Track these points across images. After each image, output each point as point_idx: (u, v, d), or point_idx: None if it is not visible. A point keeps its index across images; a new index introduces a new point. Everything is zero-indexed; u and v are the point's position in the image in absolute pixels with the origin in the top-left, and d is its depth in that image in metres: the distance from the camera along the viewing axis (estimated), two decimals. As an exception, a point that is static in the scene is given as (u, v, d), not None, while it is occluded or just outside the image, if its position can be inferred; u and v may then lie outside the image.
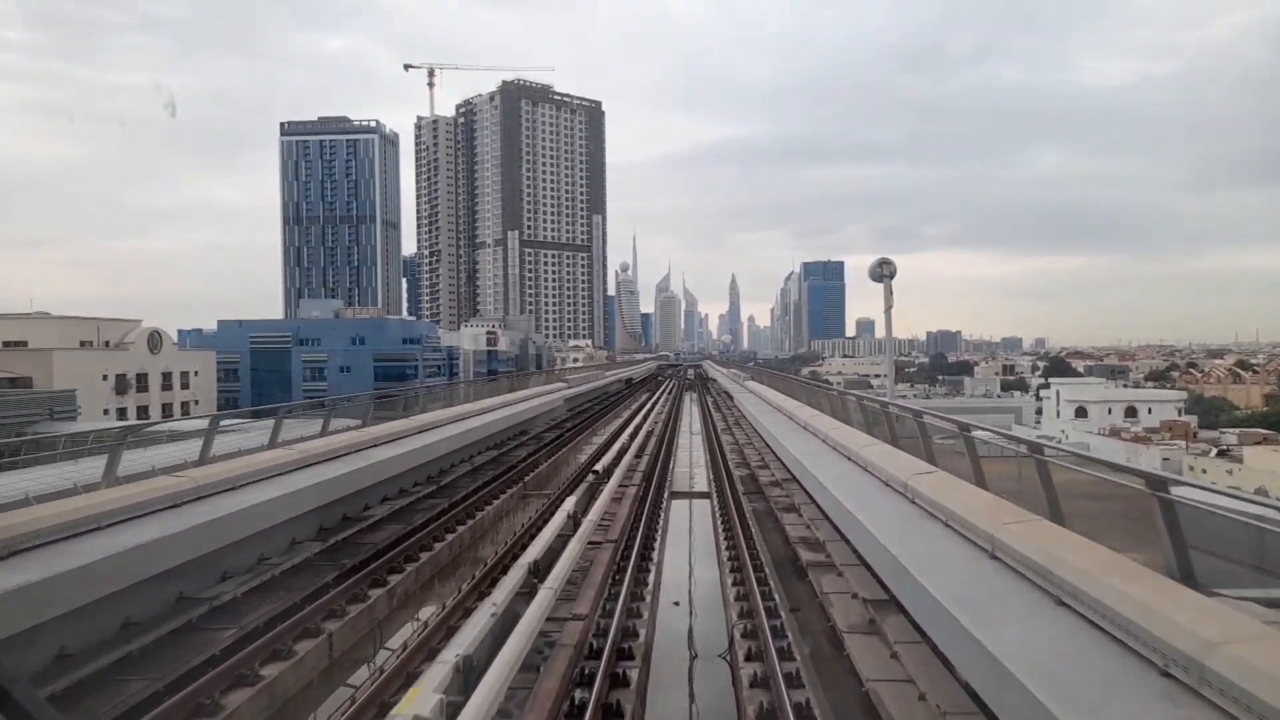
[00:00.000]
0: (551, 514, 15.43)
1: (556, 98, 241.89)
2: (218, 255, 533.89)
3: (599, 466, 21.11)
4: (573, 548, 11.91)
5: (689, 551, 15.05)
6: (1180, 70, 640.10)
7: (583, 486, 19.76)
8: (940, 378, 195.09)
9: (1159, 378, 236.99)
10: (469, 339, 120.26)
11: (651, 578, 12.70)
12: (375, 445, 17.36)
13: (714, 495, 20.17)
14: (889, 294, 19.06)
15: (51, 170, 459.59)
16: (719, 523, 16.96)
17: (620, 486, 19.72)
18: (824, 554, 13.20)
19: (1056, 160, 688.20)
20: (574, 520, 14.13)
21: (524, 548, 13.25)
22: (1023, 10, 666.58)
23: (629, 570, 12.40)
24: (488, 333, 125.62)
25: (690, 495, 21.12)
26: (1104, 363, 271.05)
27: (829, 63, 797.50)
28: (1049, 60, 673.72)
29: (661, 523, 17.10)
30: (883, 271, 19.02)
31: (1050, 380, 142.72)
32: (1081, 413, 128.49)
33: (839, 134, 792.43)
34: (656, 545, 14.85)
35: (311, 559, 13.19)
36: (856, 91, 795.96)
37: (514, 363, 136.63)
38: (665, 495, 20.48)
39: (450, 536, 15.16)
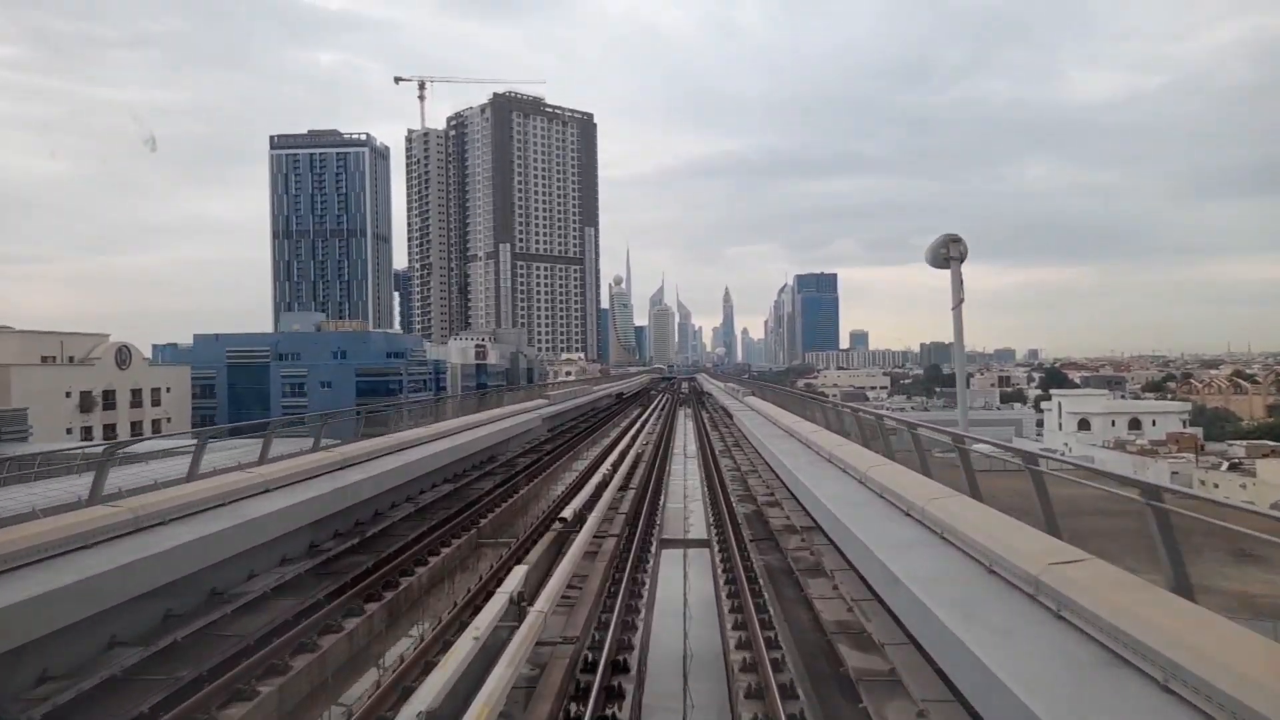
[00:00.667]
0: (497, 584, 11.11)
1: (548, 110, 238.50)
2: (211, 271, 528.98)
3: (569, 511, 16.67)
4: (502, 672, 7.52)
5: (684, 643, 10.70)
6: (1168, 83, 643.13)
7: (547, 538, 15.39)
8: (938, 389, 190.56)
9: (1156, 389, 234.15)
10: (457, 352, 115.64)
11: (627, 709, 8.29)
12: (268, 492, 12.98)
13: (714, 544, 15.85)
14: (959, 284, 14.36)
15: (43, 186, 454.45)
16: (722, 589, 12.67)
17: (595, 537, 15.36)
18: (882, 662, 8.88)
19: (1046, 172, 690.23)
20: (519, 606, 9.79)
21: (448, 647, 8.94)
22: (1011, 24, 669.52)
23: (591, 702, 8.03)
24: (476, 346, 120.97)
25: (685, 544, 16.78)
26: (1099, 374, 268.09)
27: (819, 77, 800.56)
28: (1038, 73, 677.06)
29: (647, 592, 12.76)
30: (949, 253, 14.36)
31: (1051, 392, 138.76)
32: (1084, 425, 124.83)
33: (830, 148, 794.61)
34: (638, 636, 10.48)
35: (135, 667, 8.86)
36: (847, 105, 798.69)
37: (504, 376, 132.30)
38: (654, 545, 16.16)
39: (353, 623, 10.81)
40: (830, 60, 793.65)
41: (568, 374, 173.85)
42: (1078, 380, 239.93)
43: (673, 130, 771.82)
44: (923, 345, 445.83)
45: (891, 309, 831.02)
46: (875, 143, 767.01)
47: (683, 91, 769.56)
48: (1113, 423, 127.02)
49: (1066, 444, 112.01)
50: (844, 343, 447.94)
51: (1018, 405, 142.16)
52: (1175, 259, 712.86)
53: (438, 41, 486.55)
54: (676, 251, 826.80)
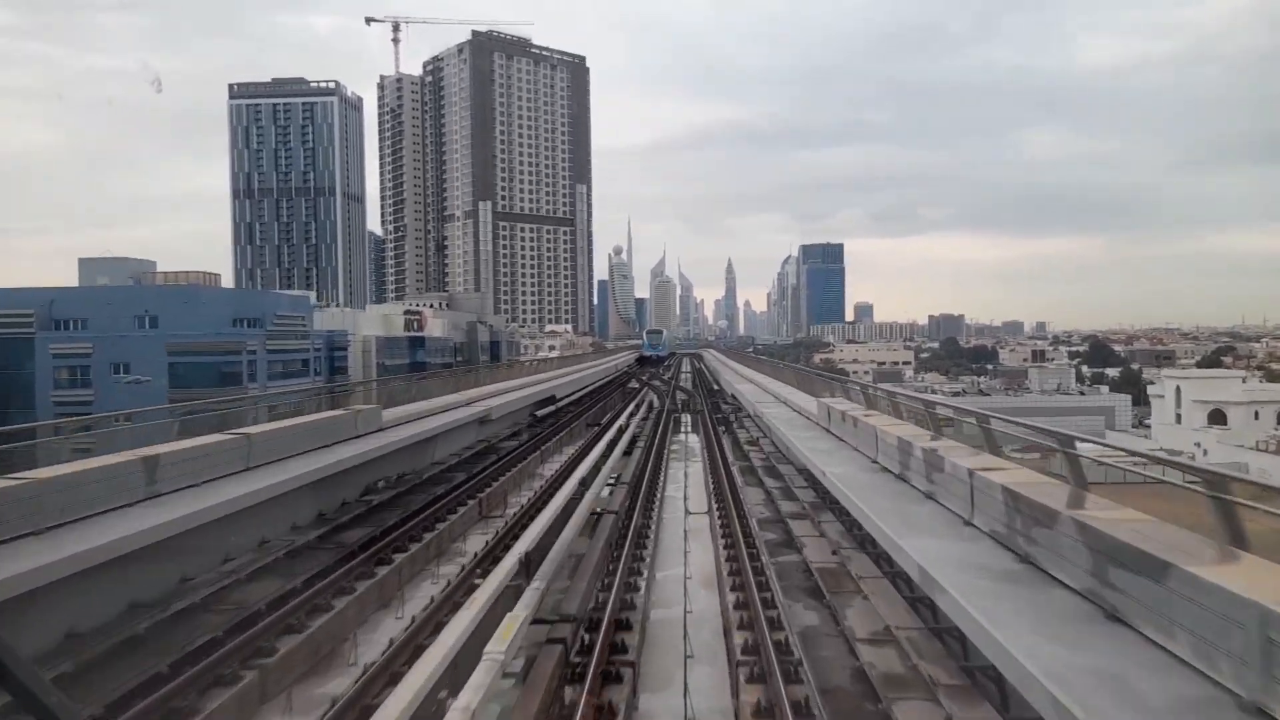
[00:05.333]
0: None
1: (534, 51, 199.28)
2: (209, 243, 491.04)
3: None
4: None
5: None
6: (1178, 50, 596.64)
7: None
8: (989, 366, 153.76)
9: (1212, 364, 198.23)
10: (375, 321, 79.27)
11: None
12: None
13: None
14: None
15: (33, 157, 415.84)
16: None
17: None
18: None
19: (1052, 141, 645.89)
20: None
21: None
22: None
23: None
24: (406, 313, 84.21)
25: None
26: (1132, 347, 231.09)
27: (824, 43, 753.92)
28: (1046, 40, 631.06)
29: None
30: None
31: (1164, 374, 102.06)
32: (1218, 417, 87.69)
33: (835, 116, 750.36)
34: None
35: None
36: (852, 72, 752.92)
37: (457, 353, 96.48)
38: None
39: None
40: (835, 26, 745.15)
41: (550, 348, 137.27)
42: (1122, 354, 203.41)
43: (674, 98, 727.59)
44: (931, 317, 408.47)
45: (897, 280, 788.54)
46: (882, 111, 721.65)
47: (684, 60, 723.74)
48: (1256, 414, 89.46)
49: (1199, 444, 76.60)
50: (848, 315, 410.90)
51: (1104, 389, 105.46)
52: (1183, 230, 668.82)
53: (434, 4, 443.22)
54: (679, 223, 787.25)
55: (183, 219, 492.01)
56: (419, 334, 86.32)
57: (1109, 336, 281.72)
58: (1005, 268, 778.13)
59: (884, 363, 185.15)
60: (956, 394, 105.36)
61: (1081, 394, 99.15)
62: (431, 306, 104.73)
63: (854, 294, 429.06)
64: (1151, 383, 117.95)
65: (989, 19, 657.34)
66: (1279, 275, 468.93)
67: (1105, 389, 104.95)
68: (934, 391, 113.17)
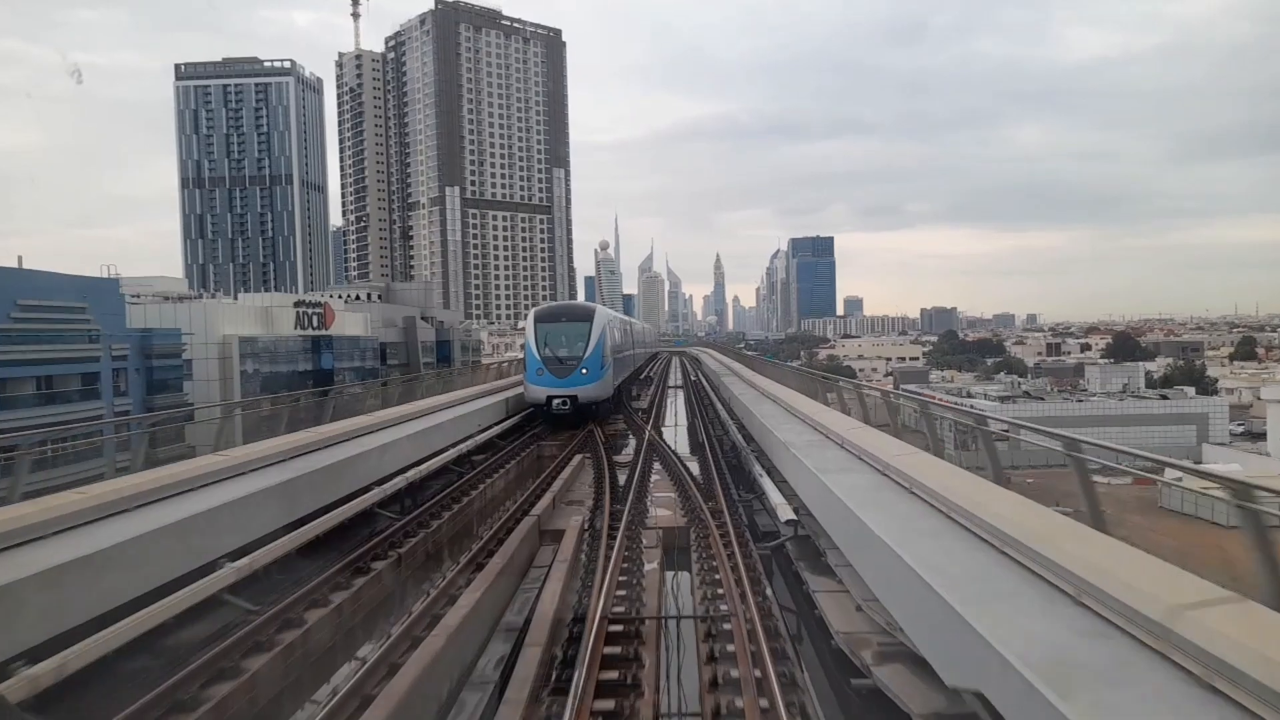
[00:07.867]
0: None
1: (505, 23, 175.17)
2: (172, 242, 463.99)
3: None
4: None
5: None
6: (1164, 43, 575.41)
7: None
8: (1036, 364, 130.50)
9: (1247, 356, 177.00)
10: (248, 316, 55.78)
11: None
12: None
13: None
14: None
15: (11, 156, 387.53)
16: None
17: None
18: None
19: (1039, 135, 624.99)
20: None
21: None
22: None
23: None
24: (299, 304, 60.56)
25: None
26: (1143, 338, 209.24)
27: (811, 37, 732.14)
28: (1032, 33, 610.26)
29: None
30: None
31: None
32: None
33: (823, 110, 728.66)
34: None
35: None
36: (839, 66, 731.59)
37: (387, 356, 73.32)
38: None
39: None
40: (823, 20, 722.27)
41: (522, 347, 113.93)
42: (1147, 347, 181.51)
43: (660, 93, 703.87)
44: (923, 310, 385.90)
45: (884, 275, 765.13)
46: (869, 105, 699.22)
47: (670, 53, 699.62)
48: None
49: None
50: (839, 309, 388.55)
51: (1191, 391, 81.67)
52: (1170, 222, 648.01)
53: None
54: (666, 219, 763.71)
55: (163, 219, 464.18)
56: (321, 333, 62.53)
57: (1108, 327, 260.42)
58: (993, 261, 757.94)
59: (891, 358, 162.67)
60: (1004, 399, 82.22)
61: (1164, 397, 76.35)
62: (355, 297, 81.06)
63: (842, 288, 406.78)
64: (1213, 379, 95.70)
65: (976, 12, 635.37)
66: (1269, 266, 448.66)
67: (1192, 390, 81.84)
68: (969, 395, 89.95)
